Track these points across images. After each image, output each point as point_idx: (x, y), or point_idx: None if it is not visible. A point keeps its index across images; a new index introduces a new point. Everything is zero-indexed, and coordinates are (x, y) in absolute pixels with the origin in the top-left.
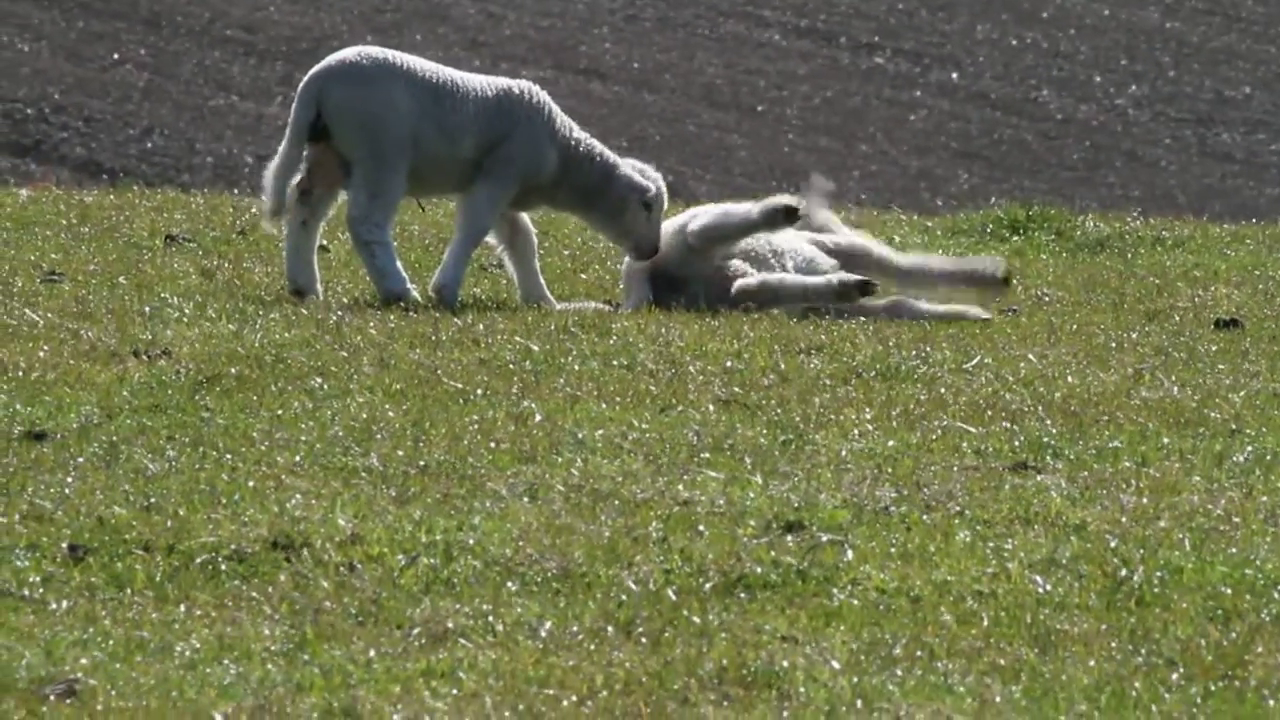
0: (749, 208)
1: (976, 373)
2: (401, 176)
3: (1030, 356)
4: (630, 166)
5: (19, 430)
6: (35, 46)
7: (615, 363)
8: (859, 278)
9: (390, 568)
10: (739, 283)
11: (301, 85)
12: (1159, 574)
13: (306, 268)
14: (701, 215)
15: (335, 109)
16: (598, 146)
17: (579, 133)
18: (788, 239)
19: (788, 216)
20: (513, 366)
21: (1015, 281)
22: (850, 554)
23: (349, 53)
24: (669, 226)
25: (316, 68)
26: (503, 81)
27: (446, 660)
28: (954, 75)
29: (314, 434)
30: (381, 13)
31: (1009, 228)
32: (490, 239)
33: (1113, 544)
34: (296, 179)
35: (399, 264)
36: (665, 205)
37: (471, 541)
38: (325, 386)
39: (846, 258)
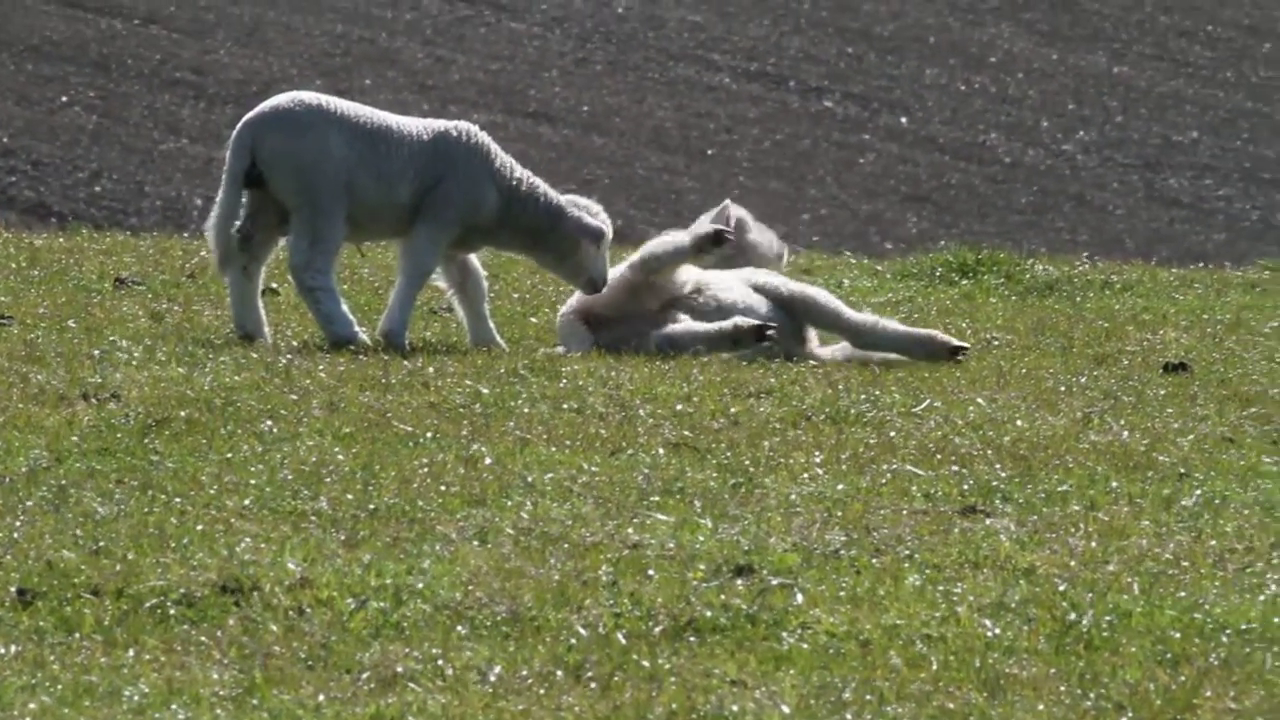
0: (680, 236)
1: (926, 416)
2: (340, 221)
3: (979, 400)
4: (574, 205)
5: None
6: None
7: (565, 406)
8: (754, 323)
9: (339, 612)
10: (651, 335)
11: (235, 133)
12: (1108, 618)
13: (252, 313)
14: (639, 251)
15: (269, 157)
16: (541, 186)
17: (521, 172)
18: (735, 292)
19: (715, 241)
20: (463, 410)
21: (962, 359)
22: (800, 598)
23: (282, 99)
24: (611, 274)
25: (250, 115)
26: (439, 124)
27: (396, 705)
28: (903, 120)
29: (263, 477)
30: (330, 56)
31: (958, 271)
32: (440, 283)
33: (1062, 588)
34: (236, 225)
35: (345, 307)
36: (610, 238)
37: (421, 585)
38: (275, 430)
39: (794, 307)
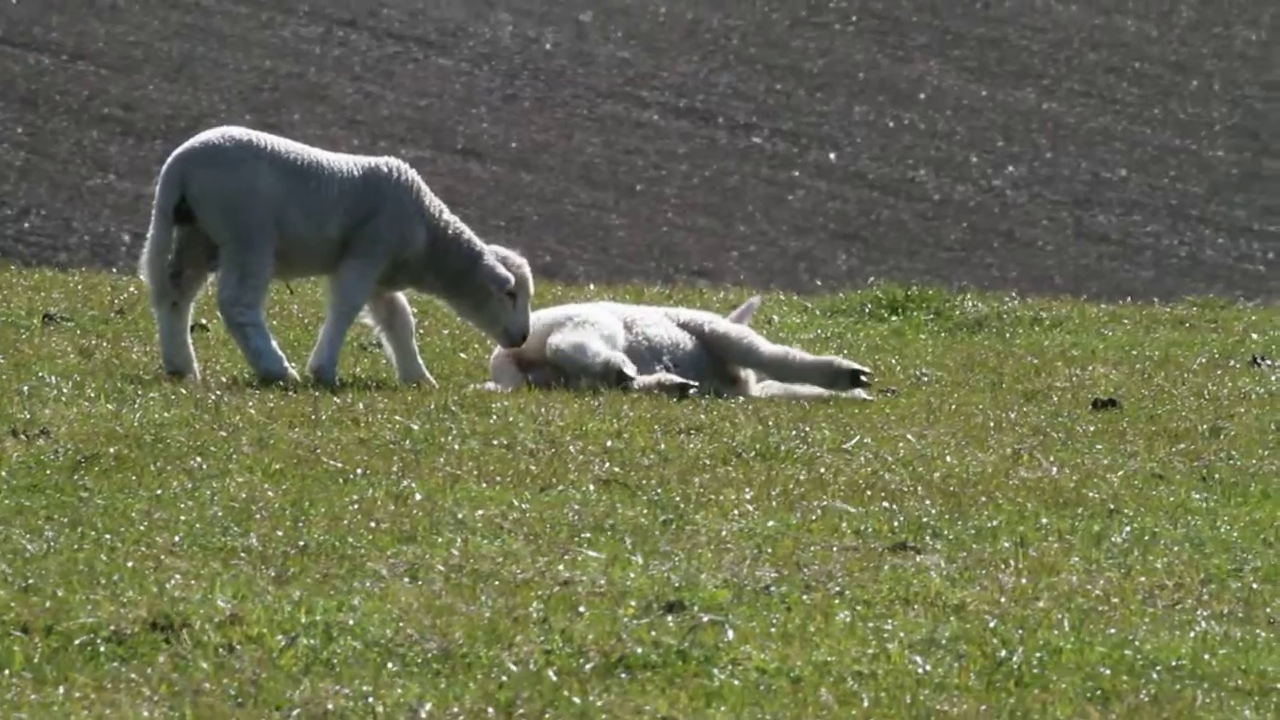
0: (594, 354)
1: (855, 453)
2: (269, 257)
3: (909, 436)
4: (493, 255)
5: None
6: None
7: (495, 442)
8: (678, 381)
9: (270, 648)
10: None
11: (165, 167)
12: (1038, 654)
13: (182, 349)
14: (562, 336)
15: (199, 192)
16: (466, 231)
17: (448, 215)
18: (667, 332)
19: (620, 379)
20: (393, 446)
21: (866, 380)
22: (731, 634)
23: (212, 135)
24: (540, 320)
25: (179, 150)
26: (369, 160)
27: None
28: (832, 156)
29: (193, 514)
30: (260, 91)
31: (887, 307)
32: (368, 320)
33: (992, 624)
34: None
35: (274, 343)
36: (531, 291)
37: (351, 622)
38: (204, 466)
39: (716, 344)
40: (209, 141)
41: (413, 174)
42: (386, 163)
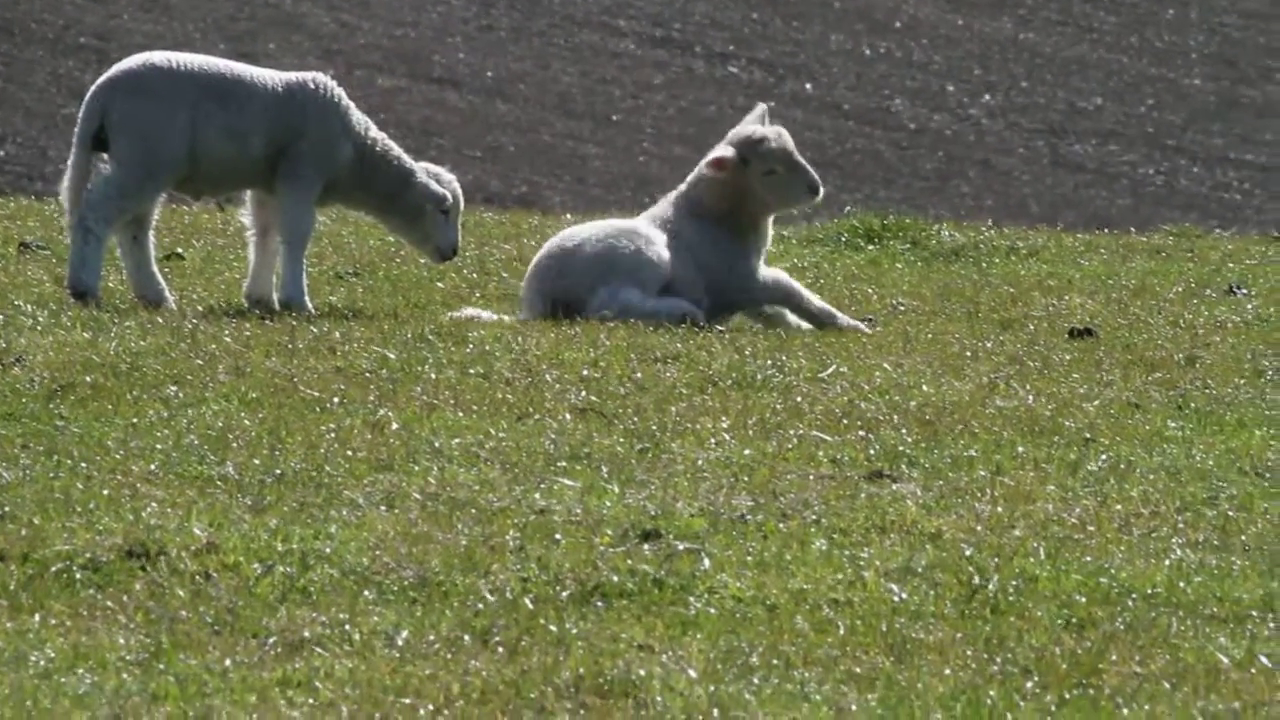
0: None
1: (832, 381)
2: (155, 193)
3: (885, 365)
4: (425, 171)
5: None
6: None
7: (472, 371)
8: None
9: (246, 577)
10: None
11: (88, 96)
12: (1014, 583)
13: (151, 280)
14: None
15: (118, 119)
16: (395, 149)
17: (375, 132)
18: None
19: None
20: (369, 375)
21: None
22: (707, 563)
23: (132, 61)
24: (552, 246)
25: (101, 78)
26: (293, 76)
27: (303, 669)
28: (808, 85)
29: (169, 442)
30: (235, 20)
31: (864, 237)
32: (245, 220)
33: (968, 552)
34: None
35: (101, 263)
36: (461, 208)
37: (328, 550)
38: (180, 395)
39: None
40: (129, 69)
41: (339, 90)
42: (314, 78)
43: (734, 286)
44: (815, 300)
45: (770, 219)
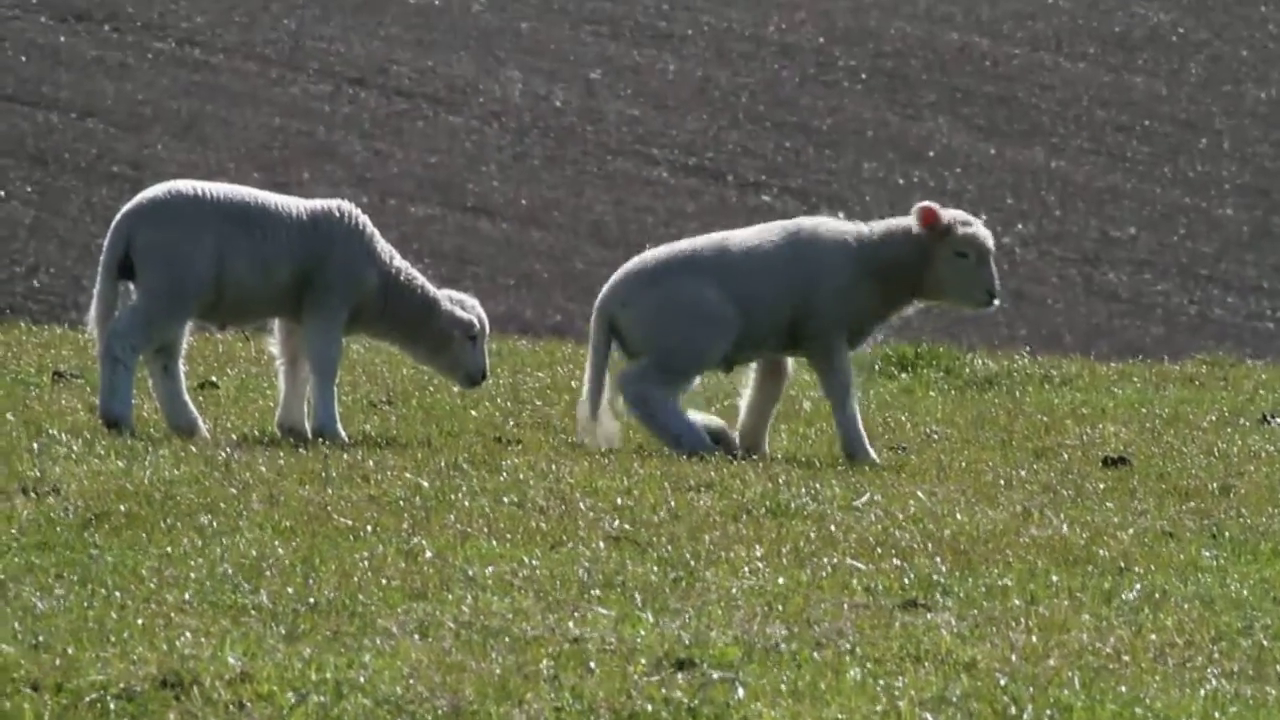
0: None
1: (866, 510)
2: (181, 321)
3: (919, 494)
4: (448, 299)
5: None
6: None
7: (505, 499)
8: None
9: (280, 706)
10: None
11: (114, 224)
12: (1049, 712)
13: (183, 409)
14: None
15: (143, 249)
16: (419, 278)
17: (400, 261)
18: None
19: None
20: (403, 503)
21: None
22: (741, 692)
23: (158, 190)
24: (630, 268)
25: (127, 206)
26: (318, 203)
27: None
28: (840, 214)
29: (203, 571)
30: (268, 149)
31: (898, 365)
32: (274, 349)
33: (1003, 682)
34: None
35: (132, 391)
36: (488, 332)
37: (362, 679)
38: (214, 523)
39: None
40: (154, 198)
41: (363, 218)
42: (339, 206)
43: (818, 328)
44: (855, 414)
45: (918, 305)
